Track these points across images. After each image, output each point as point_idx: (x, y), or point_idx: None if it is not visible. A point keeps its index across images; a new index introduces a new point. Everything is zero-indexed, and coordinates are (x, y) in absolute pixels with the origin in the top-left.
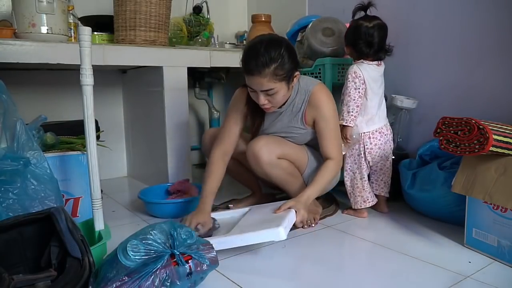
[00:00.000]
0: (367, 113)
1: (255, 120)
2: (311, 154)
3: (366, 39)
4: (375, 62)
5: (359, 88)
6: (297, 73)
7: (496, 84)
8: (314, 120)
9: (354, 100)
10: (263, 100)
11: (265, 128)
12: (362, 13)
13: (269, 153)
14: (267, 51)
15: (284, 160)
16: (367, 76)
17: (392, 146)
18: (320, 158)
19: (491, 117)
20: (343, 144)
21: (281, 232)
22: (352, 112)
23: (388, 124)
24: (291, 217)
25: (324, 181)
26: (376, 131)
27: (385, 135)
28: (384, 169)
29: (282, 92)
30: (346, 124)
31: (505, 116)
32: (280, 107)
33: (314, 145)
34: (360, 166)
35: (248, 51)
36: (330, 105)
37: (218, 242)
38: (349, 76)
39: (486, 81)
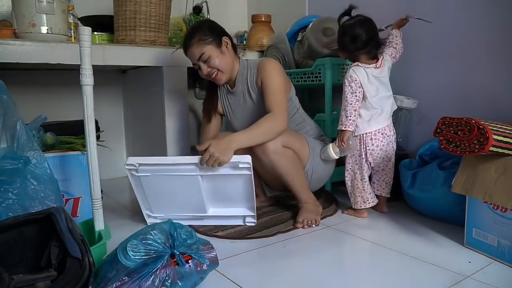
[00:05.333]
0: (367, 114)
1: (226, 108)
2: (312, 145)
3: (350, 34)
4: (373, 65)
5: (355, 92)
6: (224, 38)
7: (496, 84)
8: (261, 81)
9: (351, 104)
10: (206, 69)
11: (239, 120)
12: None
13: (275, 141)
14: (189, 30)
15: (289, 149)
16: (363, 79)
17: (394, 147)
18: (321, 148)
19: (491, 117)
20: (341, 147)
21: None
22: (350, 116)
23: (392, 124)
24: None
25: (257, 128)
26: (378, 132)
27: (387, 136)
28: (386, 170)
29: (215, 54)
30: (344, 129)
31: (505, 116)
32: (234, 84)
33: (312, 134)
34: (361, 167)
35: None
36: (274, 67)
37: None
38: (345, 80)
39: (486, 81)
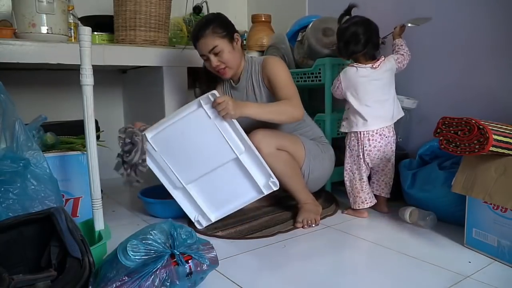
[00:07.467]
0: (361, 115)
1: None
2: (308, 146)
3: (344, 39)
4: (369, 65)
5: (334, 88)
6: (236, 34)
7: (496, 84)
8: (268, 79)
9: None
10: (215, 62)
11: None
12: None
13: (268, 145)
14: (202, 20)
15: (283, 152)
16: (354, 80)
17: (393, 149)
18: (317, 149)
19: (491, 117)
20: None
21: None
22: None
23: (392, 126)
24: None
25: (272, 105)
26: (376, 132)
27: (386, 137)
28: (385, 170)
29: (227, 49)
30: None
31: (505, 116)
32: (239, 79)
33: (311, 136)
34: (359, 167)
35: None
36: (279, 63)
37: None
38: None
39: (486, 81)
